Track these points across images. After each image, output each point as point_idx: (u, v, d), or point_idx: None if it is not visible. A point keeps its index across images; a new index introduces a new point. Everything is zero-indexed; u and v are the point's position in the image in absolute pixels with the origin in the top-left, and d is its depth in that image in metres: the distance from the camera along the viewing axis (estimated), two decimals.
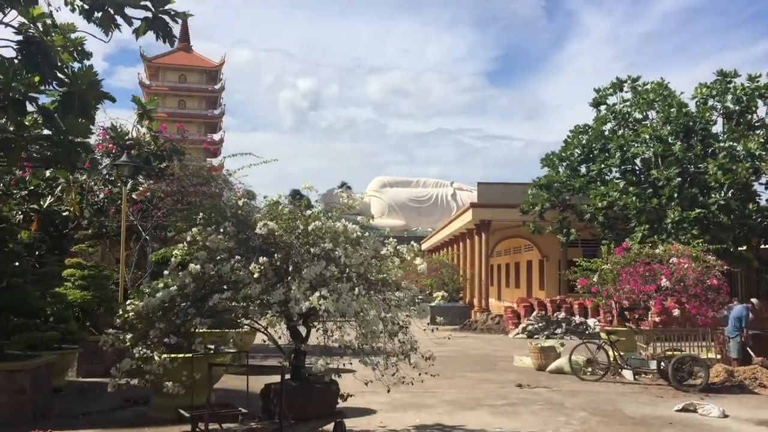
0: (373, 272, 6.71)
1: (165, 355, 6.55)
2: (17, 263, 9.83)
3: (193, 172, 16.90)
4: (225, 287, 6.41)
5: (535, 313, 22.12)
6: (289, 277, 6.37)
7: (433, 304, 27.34)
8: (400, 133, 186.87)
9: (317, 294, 5.94)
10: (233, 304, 6.27)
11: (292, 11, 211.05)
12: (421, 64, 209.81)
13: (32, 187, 15.60)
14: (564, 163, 24.51)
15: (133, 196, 16.10)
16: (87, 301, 12.46)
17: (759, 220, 21.02)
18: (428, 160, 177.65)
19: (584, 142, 24.00)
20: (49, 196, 15.53)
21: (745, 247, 21.37)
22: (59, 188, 15.42)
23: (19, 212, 15.39)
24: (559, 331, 21.47)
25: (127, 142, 16.43)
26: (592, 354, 12.69)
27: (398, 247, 7.19)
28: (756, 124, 22.75)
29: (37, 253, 16.07)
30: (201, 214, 7.27)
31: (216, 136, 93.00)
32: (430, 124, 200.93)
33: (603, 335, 15.32)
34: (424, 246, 52.37)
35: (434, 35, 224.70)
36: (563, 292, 27.42)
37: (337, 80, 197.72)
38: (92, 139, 17.76)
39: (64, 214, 15.47)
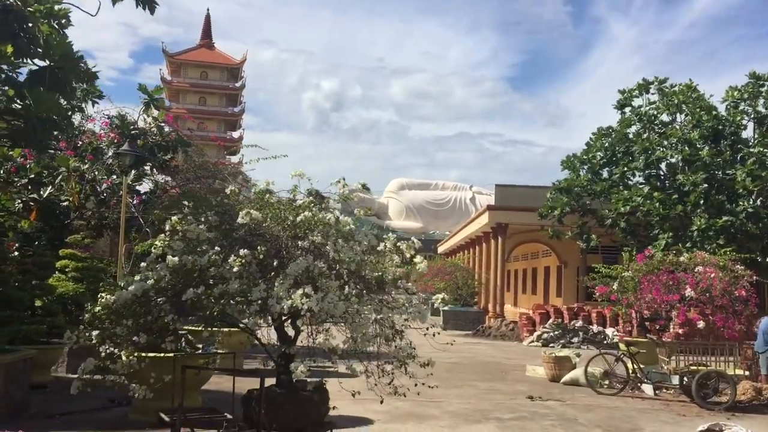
0: (367, 270, 6.04)
1: (134, 354, 5.94)
2: None
3: (199, 165, 16.32)
4: (204, 282, 5.77)
5: (550, 321, 21.33)
6: (273, 273, 5.73)
7: (445, 308, 26.62)
8: (422, 135, 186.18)
9: (300, 292, 5.28)
10: (209, 300, 5.62)
11: (315, 11, 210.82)
12: (443, 67, 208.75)
13: (33, 176, 15.13)
14: (585, 166, 23.71)
15: (136, 187, 15.59)
16: (80, 294, 11.91)
17: None
18: (448, 163, 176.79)
19: (607, 144, 23.19)
20: (50, 186, 15.04)
21: None
22: (60, 177, 14.94)
23: (19, 201, 14.92)
24: (575, 340, 20.66)
25: (132, 132, 15.93)
26: (609, 366, 11.91)
27: (398, 244, 6.52)
28: None
29: (36, 243, 15.62)
30: (186, 202, 6.67)
31: (235, 134, 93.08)
32: (451, 127, 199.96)
33: (622, 346, 14.54)
34: (441, 249, 51.65)
35: (456, 38, 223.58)
36: (581, 299, 26.56)
37: (360, 81, 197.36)
38: (97, 128, 17.34)
39: (63, 204, 14.98)
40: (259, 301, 5.45)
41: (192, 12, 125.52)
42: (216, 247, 5.82)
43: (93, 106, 17.30)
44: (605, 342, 20.43)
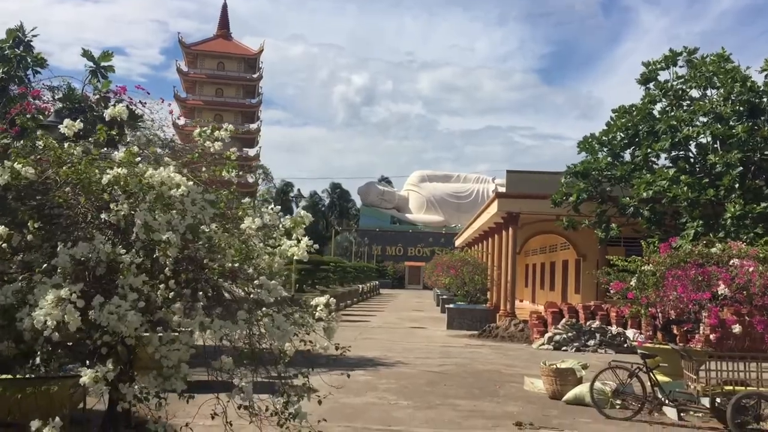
0: (211, 256, 3.87)
1: None
2: None
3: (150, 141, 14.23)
4: None
5: (564, 321, 18.96)
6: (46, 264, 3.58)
7: (450, 305, 24.35)
8: (450, 129, 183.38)
9: (50, 297, 3.12)
10: None
11: (343, 5, 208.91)
12: (471, 60, 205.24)
13: None
14: (605, 149, 21.23)
15: None
16: None
17: None
18: (476, 157, 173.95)
19: (629, 124, 20.67)
20: None
21: None
22: None
23: None
24: (591, 342, 18.28)
25: (78, 105, 13.94)
26: (621, 382, 9.58)
27: (280, 219, 4.35)
28: None
29: None
30: None
31: (253, 126, 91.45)
32: (480, 121, 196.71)
33: (639, 354, 12.19)
34: (457, 243, 49.34)
35: (483, 30, 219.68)
36: (600, 296, 24.10)
37: (389, 75, 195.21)
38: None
39: None
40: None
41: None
42: None
43: (34, 75, 15.45)
44: (625, 345, 18.05)
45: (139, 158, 4.40)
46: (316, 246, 4.65)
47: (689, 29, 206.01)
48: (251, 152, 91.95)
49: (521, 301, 34.43)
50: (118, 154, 3.99)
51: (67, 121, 4.17)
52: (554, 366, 10.62)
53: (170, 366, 3.32)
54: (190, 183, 3.90)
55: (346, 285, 38.33)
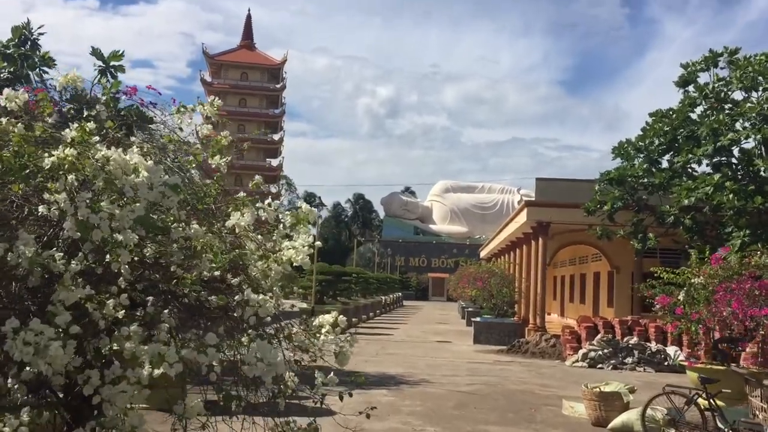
0: (188, 262, 2.94)
1: None
2: None
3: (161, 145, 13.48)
4: None
5: (599, 337, 17.81)
6: None
7: (477, 319, 23.28)
8: (474, 141, 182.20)
9: None
10: None
11: (367, 18, 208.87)
12: (496, 72, 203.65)
13: None
14: (641, 155, 20.09)
15: None
16: None
17: None
18: (502, 169, 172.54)
19: (667, 128, 19.52)
20: None
21: None
22: None
23: None
24: (629, 360, 17.13)
25: (86, 105, 13.23)
26: (677, 409, 8.48)
27: (280, 212, 3.44)
28: None
29: None
30: None
31: (276, 136, 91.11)
32: (505, 132, 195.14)
33: (691, 375, 11.09)
34: (482, 254, 48.19)
35: (508, 42, 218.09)
36: (636, 311, 22.91)
37: (414, 87, 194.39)
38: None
39: None
40: None
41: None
42: None
43: (42, 75, 14.84)
44: (666, 364, 16.90)
45: (98, 138, 3.46)
46: (319, 244, 3.69)
47: (716, 39, 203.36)
48: (274, 162, 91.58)
49: (549, 314, 33.17)
50: (71, 133, 3.09)
51: (6, 92, 3.27)
52: (598, 389, 9.57)
53: (116, 414, 2.40)
54: (150, 162, 2.98)
55: (369, 297, 37.36)
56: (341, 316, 3.16)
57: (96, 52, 13.02)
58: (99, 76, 12.94)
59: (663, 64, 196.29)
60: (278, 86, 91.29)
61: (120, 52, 11.36)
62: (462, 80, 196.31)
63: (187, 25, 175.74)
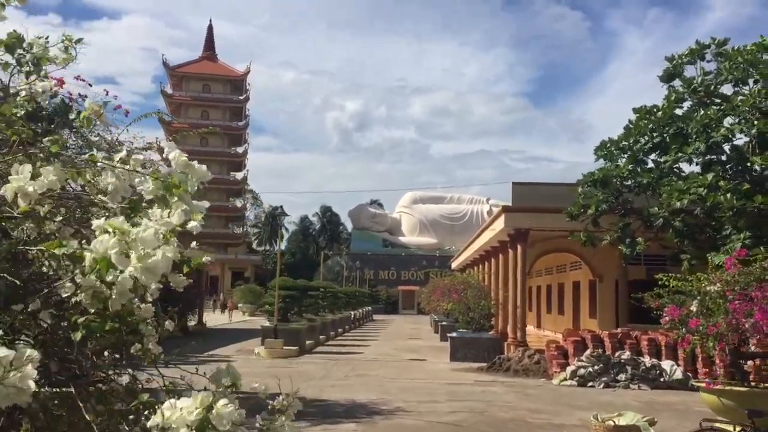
0: None
1: None
2: None
3: (94, 143, 11.69)
4: None
5: (588, 352, 16.33)
6: None
7: (454, 334, 21.67)
8: (442, 154, 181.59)
9: None
10: None
11: (335, 32, 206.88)
12: (463, 84, 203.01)
13: None
14: (625, 155, 18.79)
15: None
16: None
17: None
18: (469, 181, 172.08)
19: (652, 125, 18.24)
20: None
21: None
22: None
23: None
24: (622, 377, 15.67)
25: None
26: None
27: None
28: None
29: None
30: None
31: (240, 149, 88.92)
32: (472, 145, 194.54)
33: (707, 399, 9.60)
34: (454, 265, 46.76)
35: (473, 55, 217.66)
36: (622, 322, 21.55)
37: (382, 101, 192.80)
38: None
39: None
40: None
41: (217, 36, 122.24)
42: None
43: None
44: (662, 380, 15.48)
45: None
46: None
47: (674, 50, 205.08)
48: (238, 176, 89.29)
49: (525, 326, 31.77)
50: None
51: None
52: (612, 422, 7.99)
53: None
54: None
55: (337, 312, 35.56)
56: (228, 404, 1.49)
57: (12, 37, 10.87)
58: (17, 66, 10.73)
59: (623, 75, 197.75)
60: (242, 98, 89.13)
61: (43, 42, 9.40)
62: (429, 93, 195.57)
63: (151, 40, 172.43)
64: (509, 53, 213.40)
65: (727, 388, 9.69)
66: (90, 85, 13.02)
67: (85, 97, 13.09)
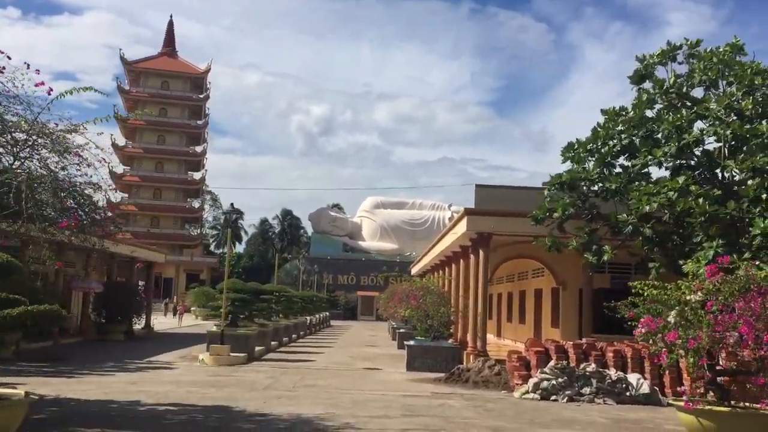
0: None
1: None
2: None
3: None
4: None
5: (552, 363, 15.41)
6: None
7: (411, 343, 20.62)
8: (404, 161, 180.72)
9: None
10: None
11: (300, 36, 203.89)
12: (428, 92, 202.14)
13: None
14: (592, 158, 17.98)
15: None
16: None
17: None
18: (432, 188, 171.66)
19: (621, 127, 17.48)
20: None
21: None
22: None
23: None
24: (586, 390, 14.79)
25: None
26: None
27: None
28: None
29: None
30: None
31: (198, 148, 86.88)
32: (435, 152, 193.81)
33: (685, 419, 8.72)
34: (414, 270, 45.81)
35: (437, 62, 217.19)
36: (586, 331, 20.76)
37: (347, 106, 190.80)
38: None
39: None
40: None
41: (180, 36, 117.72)
42: None
43: None
44: (628, 394, 14.65)
45: None
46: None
47: (634, 64, 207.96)
48: (196, 176, 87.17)
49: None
50: None
51: None
52: None
53: None
54: None
55: (292, 317, 34.28)
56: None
57: None
58: None
59: (584, 87, 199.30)
60: (201, 96, 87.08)
61: None
62: (393, 99, 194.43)
63: (113, 38, 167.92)
64: (473, 62, 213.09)
65: (707, 408, 8.81)
66: (9, 58, 11.59)
67: (4, 68, 11.66)
